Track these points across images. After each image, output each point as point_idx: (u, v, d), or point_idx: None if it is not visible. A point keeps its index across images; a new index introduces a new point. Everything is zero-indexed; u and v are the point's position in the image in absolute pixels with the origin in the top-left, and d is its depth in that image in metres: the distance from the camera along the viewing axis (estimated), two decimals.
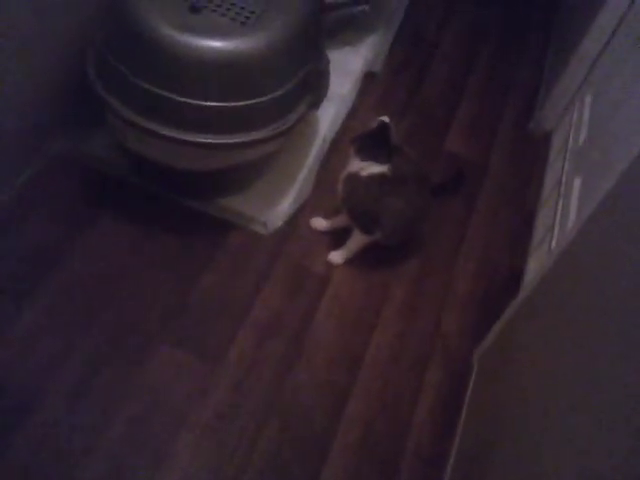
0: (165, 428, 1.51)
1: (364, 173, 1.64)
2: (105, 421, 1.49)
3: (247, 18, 1.56)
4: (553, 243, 1.70)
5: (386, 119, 1.67)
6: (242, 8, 1.57)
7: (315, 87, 1.77)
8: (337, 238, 1.87)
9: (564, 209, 1.74)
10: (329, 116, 2.08)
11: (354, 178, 1.66)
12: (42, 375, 1.52)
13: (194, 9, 1.52)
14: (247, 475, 1.47)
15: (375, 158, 1.64)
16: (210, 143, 1.59)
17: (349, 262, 1.86)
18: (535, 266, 1.81)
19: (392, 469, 1.53)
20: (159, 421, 1.52)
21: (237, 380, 1.61)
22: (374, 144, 1.65)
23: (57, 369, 1.54)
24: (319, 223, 1.87)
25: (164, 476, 1.45)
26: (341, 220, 1.81)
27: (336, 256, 1.82)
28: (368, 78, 2.39)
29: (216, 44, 1.49)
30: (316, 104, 1.83)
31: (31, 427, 1.44)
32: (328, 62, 1.86)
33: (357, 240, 1.78)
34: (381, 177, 1.64)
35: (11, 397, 1.49)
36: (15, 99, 1.70)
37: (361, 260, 1.86)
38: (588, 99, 1.97)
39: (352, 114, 2.25)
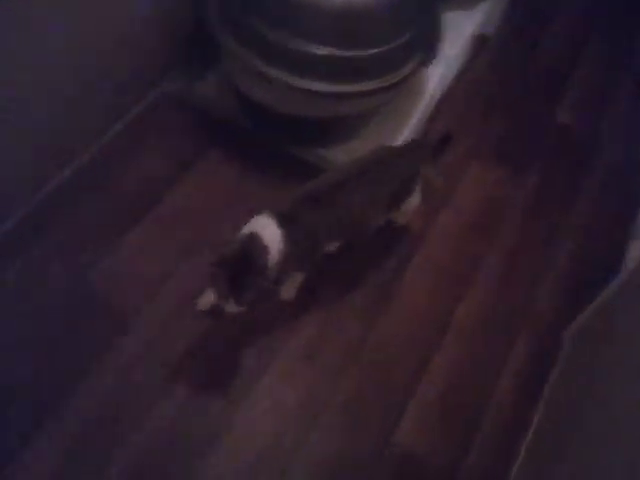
0: (260, 356, 1.58)
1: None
2: None
3: None
4: None
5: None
6: None
7: (426, 45, 1.75)
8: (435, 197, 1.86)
9: None
10: (437, 76, 2.04)
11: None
12: None
13: None
14: (329, 410, 1.53)
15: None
16: (322, 91, 1.61)
17: (446, 226, 1.84)
18: (638, 249, 1.74)
19: (469, 430, 1.53)
20: (255, 348, 1.59)
21: (324, 323, 1.64)
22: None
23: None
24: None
25: (255, 401, 1.52)
26: None
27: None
28: (480, 42, 2.31)
29: None
30: (426, 62, 1.81)
31: None
32: (440, 22, 1.82)
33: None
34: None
35: None
36: (137, 36, 1.77)
37: (458, 227, 1.85)
38: None
39: (460, 76, 2.20)
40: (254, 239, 1.33)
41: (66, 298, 1.61)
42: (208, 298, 1.56)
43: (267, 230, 1.36)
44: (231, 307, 1.34)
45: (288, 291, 1.64)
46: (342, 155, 1.85)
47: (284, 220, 1.38)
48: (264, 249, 1.33)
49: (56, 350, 1.53)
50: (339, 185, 1.47)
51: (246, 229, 1.37)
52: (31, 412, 1.44)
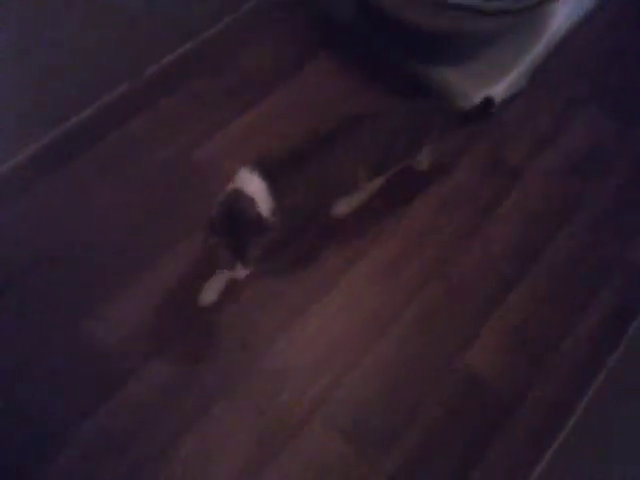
0: (344, 260, 1.61)
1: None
2: None
3: None
4: None
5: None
6: None
7: None
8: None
9: None
10: (564, 14, 1.96)
11: None
12: None
13: None
14: (402, 322, 1.54)
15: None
16: (452, 2, 1.57)
17: (547, 165, 1.80)
18: None
19: (541, 363, 1.53)
20: (341, 252, 1.62)
21: (411, 240, 1.65)
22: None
23: None
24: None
25: (333, 298, 1.55)
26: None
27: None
28: None
29: None
30: None
31: None
32: None
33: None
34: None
35: None
36: None
37: (561, 167, 1.80)
38: None
39: (583, 23, 2.11)
40: (238, 194, 1.26)
41: (169, 171, 1.68)
42: (210, 291, 1.50)
43: (250, 183, 1.29)
44: (241, 272, 1.29)
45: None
46: (454, 76, 1.82)
47: (267, 173, 1.30)
48: (250, 201, 1.26)
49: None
50: (324, 139, 1.38)
51: (228, 188, 1.30)
52: None
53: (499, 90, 1.83)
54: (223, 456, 1.36)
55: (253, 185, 1.28)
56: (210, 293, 1.51)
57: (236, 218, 1.24)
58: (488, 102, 1.65)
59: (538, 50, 1.90)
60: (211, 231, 1.24)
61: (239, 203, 1.26)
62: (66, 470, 1.32)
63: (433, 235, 1.67)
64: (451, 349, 1.53)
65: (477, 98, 1.77)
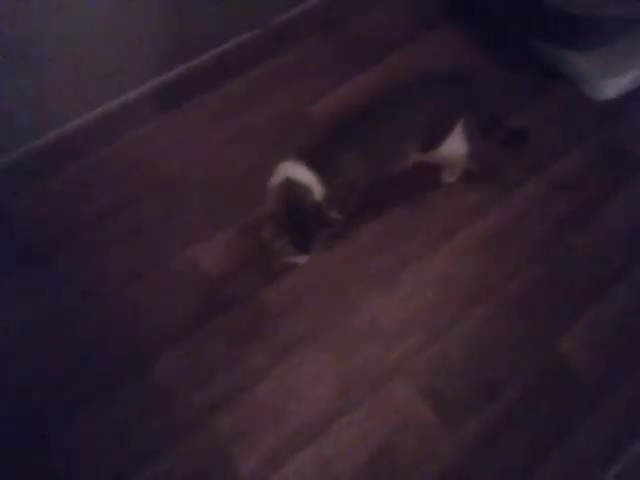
0: (438, 229, 1.60)
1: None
2: None
3: None
4: None
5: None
6: None
7: None
8: None
9: None
10: None
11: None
12: None
13: None
14: (492, 299, 1.52)
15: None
16: None
17: None
18: None
19: (636, 361, 1.46)
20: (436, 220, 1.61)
21: (522, 215, 1.62)
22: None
23: None
24: None
25: (430, 264, 1.56)
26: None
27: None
28: None
29: None
30: None
31: None
32: None
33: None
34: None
35: None
36: None
37: None
38: None
39: None
40: (291, 184, 1.26)
41: (280, 121, 1.73)
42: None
43: (300, 173, 1.28)
44: (302, 258, 1.29)
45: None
46: (583, 60, 1.75)
47: (313, 162, 1.29)
48: (306, 189, 1.26)
49: None
50: (365, 117, 1.35)
51: (275, 180, 1.29)
52: None
53: (632, 77, 1.75)
54: (301, 401, 1.39)
55: (303, 174, 1.28)
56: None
57: (296, 209, 1.24)
58: (521, 134, 1.56)
59: None
60: (272, 224, 1.25)
61: (295, 193, 1.26)
62: (165, 380, 1.40)
63: (540, 217, 1.63)
64: (542, 333, 1.49)
65: (605, 86, 1.71)
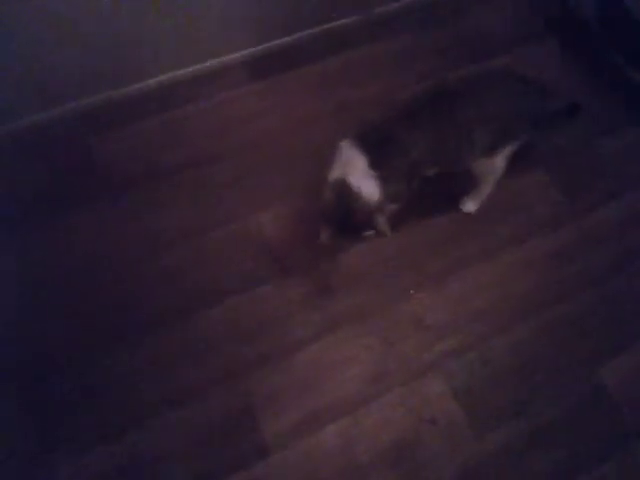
0: (501, 236, 1.59)
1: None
2: None
3: None
4: None
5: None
6: None
7: None
8: None
9: None
10: None
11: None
12: None
13: None
14: (543, 316, 1.51)
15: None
16: None
17: None
18: None
19: None
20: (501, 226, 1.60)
21: (588, 238, 1.59)
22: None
23: None
24: None
25: (487, 269, 1.56)
26: None
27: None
28: None
29: None
30: None
31: None
32: None
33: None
34: None
35: None
36: None
37: None
38: None
39: None
40: (343, 186, 1.26)
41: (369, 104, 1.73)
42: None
43: (357, 174, 1.26)
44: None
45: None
46: None
47: (374, 148, 1.26)
48: (356, 193, 1.25)
49: None
50: (439, 100, 1.31)
51: (336, 169, 1.28)
52: None
53: None
54: (336, 378, 1.42)
55: (359, 177, 1.26)
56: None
57: (346, 211, 1.26)
58: (574, 107, 1.48)
59: None
60: (324, 219, 1.28)
61: (345, 195, 1.26)
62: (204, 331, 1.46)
63: (609, 241, 1.59)
64: (588, 357, 1.47)
65: None
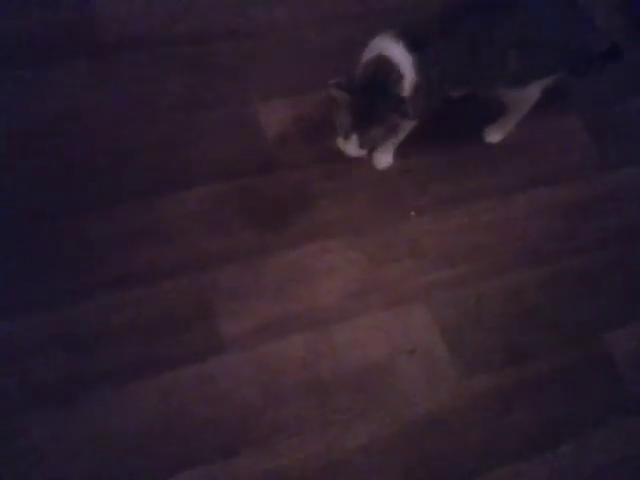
0: (512, 177, 1.42)
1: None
2: None
3: None
4: None
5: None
6: None
7: None
8: None
9: None
10: None
11: None
12: None
13: None
14: (554, 265, 1.37)
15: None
16: None
17: None
18: None
19: None
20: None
21: (613, 194, 1.46)
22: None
23: None
24: None
25: (495, 206, 1.40)
26: None
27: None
28: None
29: None
30: None
31: None
32: None
33: None
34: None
35: None
36: None
37: None
38: None
39: None
40: (385, 63, 1.08)
41: None
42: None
43: (398, 54, 1.09)
44: (351, 149, 1.13)
45: (381, 159, 1.38)
46: None
47: (414, 44, 1.10)
48: (399, 76, 1.08)
49: None
50: (479, 9, 1.14)
51: (370, 51, 1.11)
52: None
53: None
54: (309, 288, 1.26)
55: (401, 57, 1.10)
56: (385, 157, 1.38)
57: (378, 90, 1.08)
58: (617, 50, 1.31)
59: None
60: (344, 87, 1.07)
61: (385, 74, 1.09)
62: None
63: (636, 201, 1.44)
64: (595, 320, 1.32)
65: None
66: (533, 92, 1.29)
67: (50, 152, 1.27)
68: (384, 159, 1.37)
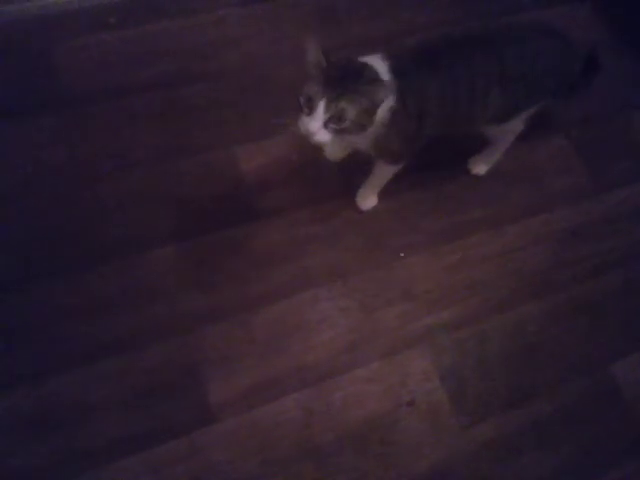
0: (506, 209, 1.37)
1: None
2: None
3: None
4: None
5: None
6: None
7: None
8: None
9: None
10: None
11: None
12: None
13: None
14: (555, 297, 1.31)
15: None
16: None
17: None
18: None
19: None
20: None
21: (610, 217, 1.40)
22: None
23: None
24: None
25: (492, 240, 1.35)
26: None
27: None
28: None
29: None
30: None
31: None
32: None
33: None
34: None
35: None
36: None
37: None
38: None
39: None
40: (370, 70, 1.02)
41: None
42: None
43: (383, 72, 1.03)
44: (314, 126, 0.98)
45: (366, 201, 1.33)
46: None
47: (395, 71, 1.04)
48: (380, 83, 1.01)
49: None
50: (459, 47, 1.09)
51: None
52: None
53: None
54: (302, 343, 1.20)
55: (384, 74, 1.04)
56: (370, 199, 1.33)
57: (357, 77, 1.00)
58: (592, 59, 1.24)
59: None
60: (324, 64, 1.00)
61: (367, 74, 1.02)
62: None
63: (634, 223, 1.39)
64: (602, 350, 1.27)
65: None
66: (516, 124, 1.24)
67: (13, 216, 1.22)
68: (369, 200, 1.32)
